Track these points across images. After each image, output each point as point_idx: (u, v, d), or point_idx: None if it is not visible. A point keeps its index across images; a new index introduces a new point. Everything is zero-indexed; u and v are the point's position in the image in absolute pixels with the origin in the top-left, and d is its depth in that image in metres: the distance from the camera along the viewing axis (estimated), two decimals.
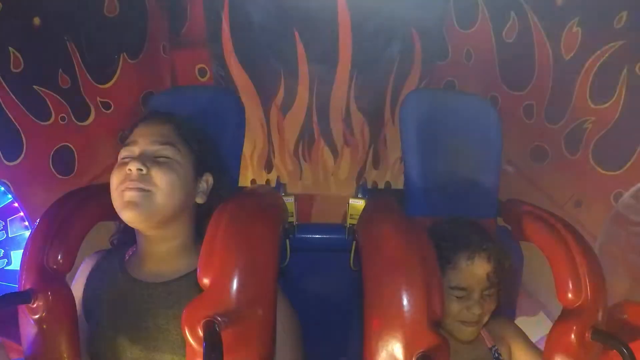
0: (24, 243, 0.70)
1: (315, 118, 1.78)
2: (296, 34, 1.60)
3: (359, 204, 1.06)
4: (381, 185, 1.86)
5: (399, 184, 1.88)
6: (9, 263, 0.97)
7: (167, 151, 0.69)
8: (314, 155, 1.85)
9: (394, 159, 1.87)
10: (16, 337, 0.67)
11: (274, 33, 1.61)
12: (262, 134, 1.81)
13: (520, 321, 0.90)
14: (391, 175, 1.90)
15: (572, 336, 0.67)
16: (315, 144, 1.83)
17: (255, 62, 1.67)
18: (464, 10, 1.60)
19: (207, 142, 0.76)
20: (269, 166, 1.88)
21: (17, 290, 0.66)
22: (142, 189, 0.65)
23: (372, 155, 1.86)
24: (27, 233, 0.97)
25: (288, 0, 1.56)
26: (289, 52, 1.63)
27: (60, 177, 1.22)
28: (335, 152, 1.85)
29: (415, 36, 1.62)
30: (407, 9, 1.56)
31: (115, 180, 0.67)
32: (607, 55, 1.16)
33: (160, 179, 0.66)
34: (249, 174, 1.88)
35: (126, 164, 0.66)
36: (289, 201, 1.03)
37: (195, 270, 0.61)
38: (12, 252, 0.97)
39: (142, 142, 0.69)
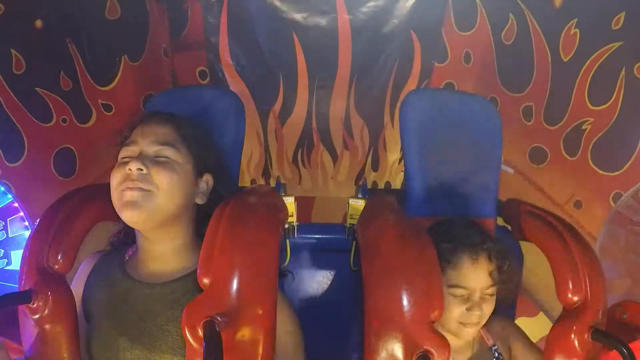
0: (24, 243, 0.70)
1: (314, 123, 1.78)
2: (295, 39, 1.61)
3: (359, 204, 1.07)
4: (381, 186, 1.86)
5: (397, 185, 1.88)
6: (9, 263, 0.97)
7: (167, 151, 0.69)
8: (313, 160, 1.85)
9: (392, 161, 1.88)
10: (16, 337, 0.67)
11: (272, 37, 1.62)
12: (259, 143, 1.80)
13: (520, 321, 0.90)
14: (389, 177, 1.91)
15: (572, 336, 0.67)
16: (314, 148, 1.83)
17: (253, 67, 1.66)
18: (463, 13, 1.60)
19: (207, 143, 0.76)
20: (266, 174, 1.88)
21: (17, 290, 0.66)
22: (142, 189, 0.65)
23: (372, 158, 1.87)
24: (27, 233, 0.97)
25: (287, 6, 1.56)
26: (288, 58, 1.64)
27: (62, 178, 1.22)
28: (334, 156, 1.86)
29: (414, 38, 1.63)
30: (405, 11, 1.57)
31: (115, 180, 0.67)
32: (605, 56, 1.16)
33: (160, 179, 0.66)
34: (247, 181, 1.88)
35: (126, 163, 0.66)
36: (289, 201, 1.03)
37: (195, 270, 0.62)
38: (12, 252, 0.97)
39: (142, 142, 0.69)
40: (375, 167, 1.88)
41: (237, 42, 1.62)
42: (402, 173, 1.83)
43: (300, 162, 1.85)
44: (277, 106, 1.73)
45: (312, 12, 1.55)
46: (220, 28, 1.60)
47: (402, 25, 1.59)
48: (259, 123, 1.77)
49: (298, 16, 1.56)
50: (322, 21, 1.57)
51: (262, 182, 1.88)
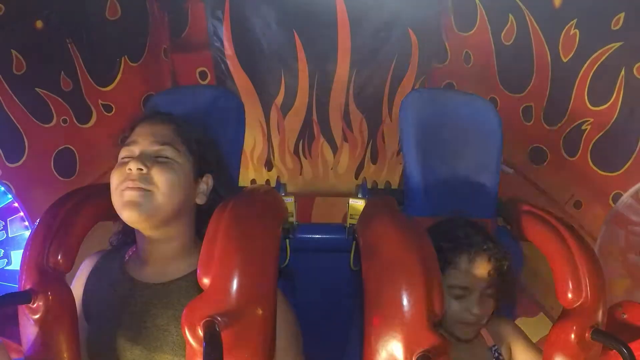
0: (24, 243, 0.70)
1: (315, 116, 1.80)
2: (295, 34, 1.62)
3: (359, 204, 1.07)
4: (381, 185, 1.87)
5: (395, 178, 1.90)
6: (9, 263, 0.97)
7: (167, 152, 0.69)
8: (314, 151, 1.88)
9: (390, 154, 1.90)
10: (16, 337, 0.67)
11: (274, 34, 1.64)
12: (262, 134, 1.83)
13: (520, 321, 0.90)
14: (388, 169, 1.93)
15: (572, 336, 0.67)
16: (315, 140, 1.85)
17: (255, 63, 1.69)
18: (463, 13, 1.61)
19: (207, 143, 0.76)
20: (269, 164, 1.91)
21: (17, 290, 0.66)
22: (142, 188, 0.65)
23: (371, 151, 1.89)
24: (27, 233, 0.98)
25: (288, 2, 1.57)
26: (288, 53, 1.66)
27: (62, 179, 1.22)
28: (334, 148, 1.88)
29: (412, 35, 1.64)
30: (404, 9, 1.59)
31: (115, 179, 0.67)
32: (605, 56, 1.16)
33: (160, 179, 0.66)
34: (250, 172, 1.90)
35: (126, 163, 0.66)
36: (289, 201, 1.03)
37: (195, 270, 0.61)
38: (12, 252, 0.97)
39: (142, 142, 0.69)
40: (374, 160, 1.90)
41: (239, 37, 1.64)
42: (401, 166, 1.85)
43: (301, 153, 1.88)
44: (279, 99, 1.75)
45: (312, 7, 1.57)
46: (224, 23, 1.61)
47: (400, 22, 1.61)
48: (262, 114, 1.79)
49: (298, 11, 1.57)
50: (322, 16, 1.58)
51: (264, 172, 1.90)
